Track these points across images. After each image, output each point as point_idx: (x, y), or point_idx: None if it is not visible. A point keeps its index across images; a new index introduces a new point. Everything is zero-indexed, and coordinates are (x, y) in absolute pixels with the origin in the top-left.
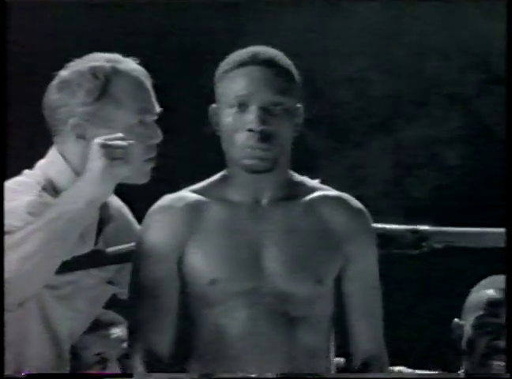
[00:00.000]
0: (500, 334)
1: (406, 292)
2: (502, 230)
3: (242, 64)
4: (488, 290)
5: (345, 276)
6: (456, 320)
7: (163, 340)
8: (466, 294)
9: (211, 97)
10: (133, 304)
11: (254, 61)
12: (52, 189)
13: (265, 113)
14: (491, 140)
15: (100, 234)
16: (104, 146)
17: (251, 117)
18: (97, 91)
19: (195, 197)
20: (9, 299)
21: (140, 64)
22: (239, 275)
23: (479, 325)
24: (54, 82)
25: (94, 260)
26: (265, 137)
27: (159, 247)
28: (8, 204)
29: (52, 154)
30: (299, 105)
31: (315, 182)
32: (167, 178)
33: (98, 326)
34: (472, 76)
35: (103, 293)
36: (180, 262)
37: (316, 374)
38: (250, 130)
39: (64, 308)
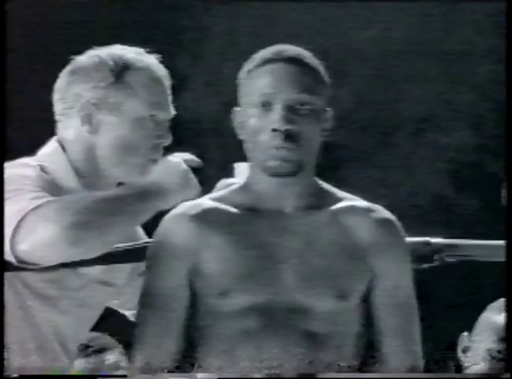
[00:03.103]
0: None
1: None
2: None
3: (266, 61)
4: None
5: (374, 293)
6: (465, 333)
7: (167, 353)
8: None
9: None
10: (142, 314)
11: (278, 58)
12: (50, 183)
13: (291, 112)
14: None
15: None
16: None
17: (276, 116)
18: (112, 76)
19: (212, 204)
20: None
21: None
22: (252, 287)
23: (492, 351)
24: (68, 67)
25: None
26: (290, 137)
27: (170, 256)
28: None
29: (52, 145)
30: (328, 109)
31: (343, 192)
32: None
33: (90, 351)
34: None
35: (94, 294)
36: (192, 272)
37: (315, 374)
38: (274, 130)
39: (47, 309)
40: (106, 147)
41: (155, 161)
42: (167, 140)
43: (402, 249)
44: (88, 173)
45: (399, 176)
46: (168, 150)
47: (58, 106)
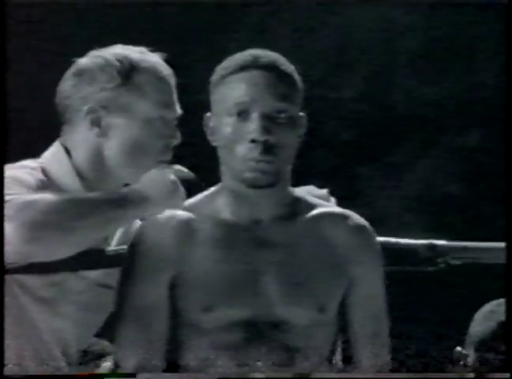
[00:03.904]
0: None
1: (419, 313)
2: None
3: (241, 68)
4: (491, 322)
5: (349, 301)
6: (458, 349)
7: (151, 361)
8: None
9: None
10: (118, 329)
11: (254, 65)
12: (50, 185)
13: (268, 121)
14: None
15: None
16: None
17: (253, 126)
18: (120, 78)
19: (186, 214)
20: None
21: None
22: (236, 302)
23: (483, 362)
24: (71, 69)
25: (90, 260)
26: (268, 149)
27: (148, 269)
28: None
29: (55, 148)
30: (302, 114)
31: (319, 194)
32: None
33: (87, 357)
34: None
35: (95, 297)
36: (172, 286)
37: (314, 374)
38: (253, 141)
39: (47, 312)
40: (116, 149)
41: (164, 162)
42: (177, 140)
43: (376, 256)
44: (92, 175)
45: (411, 177)
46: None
47: (62, 109)
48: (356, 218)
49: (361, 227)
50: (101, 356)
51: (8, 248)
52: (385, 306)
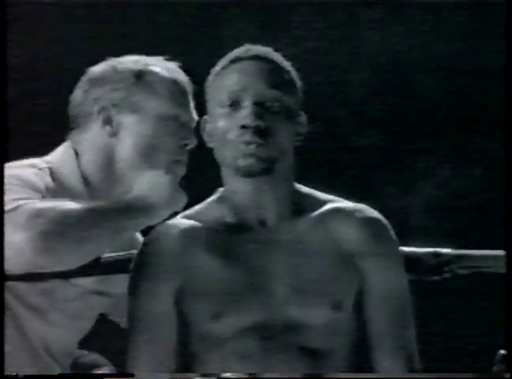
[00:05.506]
0: None
1: (423, 323)
2: None
3: (233, 60)
4: None
5: (365, 297)
6: (502, 352)
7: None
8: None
9: None
10: (133, 339)
11: (246, 56)
12: (56, 188)
13: (261, 108)
14: None
15: None
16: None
17: (245, 112)
18: (133, 78)
19: (189, 223)
20: None
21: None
22: (246, 306)
23: None
24: (84, 77)
25: (84, 267)
26: (259, 133)
27: (153, 280)
28: None
29: (65, 149)
30: (301, 112)
31: (325, 194)
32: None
33: (78, 369)
34: None
35: (88, 305)
36: (178, 297)
37: (316, 374)
38: (243, 127)
39: (37, 320)
40: (128, 148)
41: (179, 162)
42: (192, 142)
43: (392, 249)
44: (98, 181)
45: (429, 181)
46: None
47: (74, 117)
48: (369, 211)
49: (373, 220)
50: (92, 368)
51: (20, 258)
52: (407, 302)
